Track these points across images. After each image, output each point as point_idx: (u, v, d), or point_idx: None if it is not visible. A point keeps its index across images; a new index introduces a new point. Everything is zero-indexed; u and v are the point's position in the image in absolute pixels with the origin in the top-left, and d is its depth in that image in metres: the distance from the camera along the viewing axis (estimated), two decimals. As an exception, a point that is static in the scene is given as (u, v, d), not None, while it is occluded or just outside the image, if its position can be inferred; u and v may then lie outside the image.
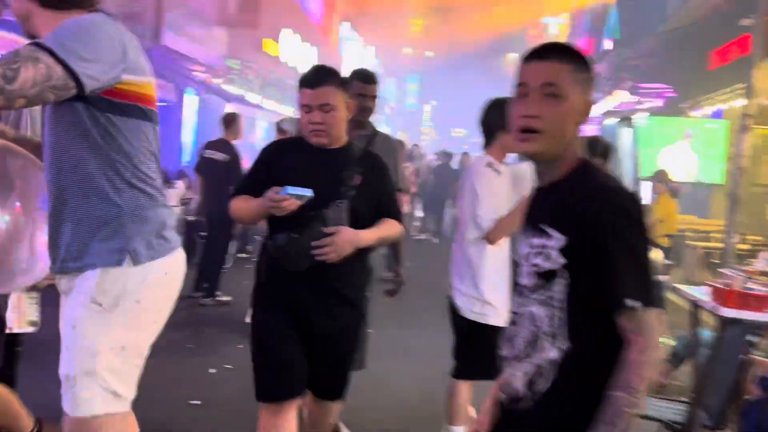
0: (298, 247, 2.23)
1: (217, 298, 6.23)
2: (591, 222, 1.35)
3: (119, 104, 1.77)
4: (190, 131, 16.70)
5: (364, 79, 3.46)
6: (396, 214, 2.45)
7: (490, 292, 2.81)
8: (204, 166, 6.29)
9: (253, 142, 21.99)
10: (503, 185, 2.80)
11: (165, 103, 14.23)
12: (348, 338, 2.44)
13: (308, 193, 2.20)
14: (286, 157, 2.43)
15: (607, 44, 15.26)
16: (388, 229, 2.42)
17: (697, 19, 11.07)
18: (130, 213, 1.80)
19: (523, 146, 1.44)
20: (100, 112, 1.75)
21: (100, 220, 1.78)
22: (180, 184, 9.15)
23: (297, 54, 22.06)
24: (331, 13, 28.18)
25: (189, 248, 3.73)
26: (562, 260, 1.39)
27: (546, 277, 1.41)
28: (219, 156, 6.10)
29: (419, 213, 14.46)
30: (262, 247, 2.51)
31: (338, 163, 2.34)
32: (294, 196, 2.19)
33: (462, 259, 2.87)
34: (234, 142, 6.30)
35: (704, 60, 11.39)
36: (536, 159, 1.47)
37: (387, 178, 2.49)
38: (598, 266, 1.35)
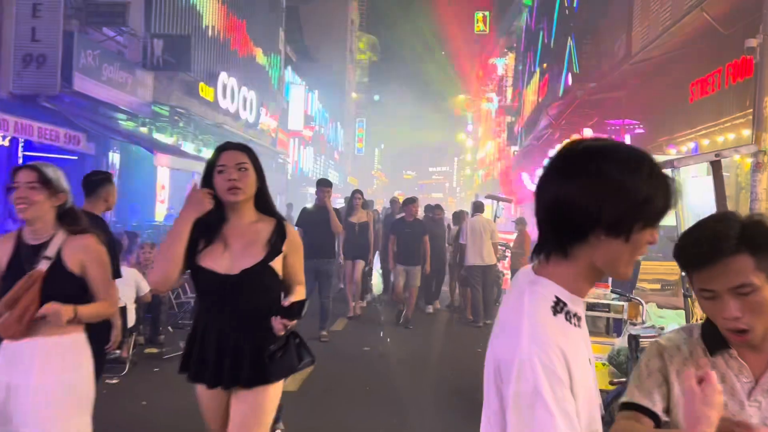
0: None
1: None
2: None
3: None
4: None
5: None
6: None
7: None
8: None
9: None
10: (587, 357, 1.20)
11: (75, 157, 12.51)
12: None
13: None
14: None
15: (570, 79, 14.29)
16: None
17: (670, 49, 10.07)
18: None
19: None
20: None
21: None
22: None
23: (236, 98, 20.54)
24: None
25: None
26: None
27: None
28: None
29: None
30: None
31: None
32: None
33: None
34: (104, 214, 4.14)
35: (680, 92, 10.36)
36: None
37: None
38: None
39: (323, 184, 7.94)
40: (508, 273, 11.34)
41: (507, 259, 11.52)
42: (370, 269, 9.79)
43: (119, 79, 13.62)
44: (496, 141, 43.33)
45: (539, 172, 1.27)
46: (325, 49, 40.04)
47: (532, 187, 15.17)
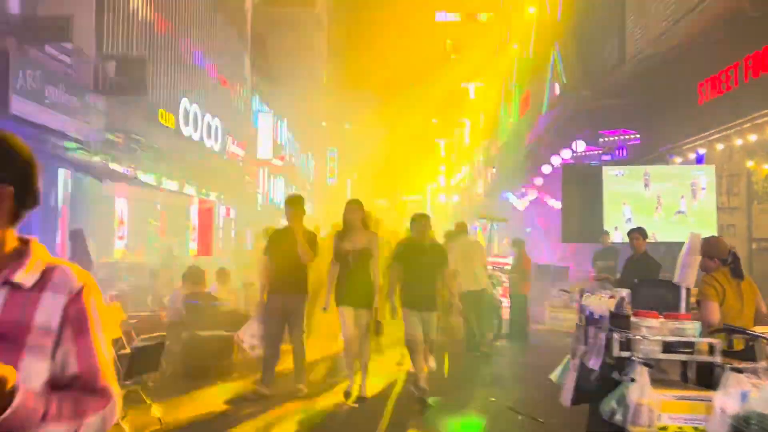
0: None
1: None
2: None
3: None
4: (64, 223, 13.44)
5: None
6: None
7: None
8: None
9: (161, 233, 18.73)
10: None
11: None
12: None
13: None
14: None
15: (557, 90, 13.39)
16: None
17: (672, 47, 9.14)
18: None
19: None
20: None
21: None
22: None
23: (200, 126, 19.27)
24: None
25: None
26: None
27: None
28: None
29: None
30: None
31: None
32: None
33: None
34: None
35: (686, 94, 9.40)
36: None
37: None
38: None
39: (291, 203, 6.32)
40: (506, 301, 10.18)
41: (503, 285, 10.38)
42: (380, 323, 6.27)
43: (66, 103, 12.30)
44: (471, 165, 42.58)
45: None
46: (293, 77, 39.10)
47: (521, 207, 13.96)
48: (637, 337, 3.27)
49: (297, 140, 40.33)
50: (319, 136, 50.30)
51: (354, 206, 6.23)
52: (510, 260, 10.44)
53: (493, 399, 6.14)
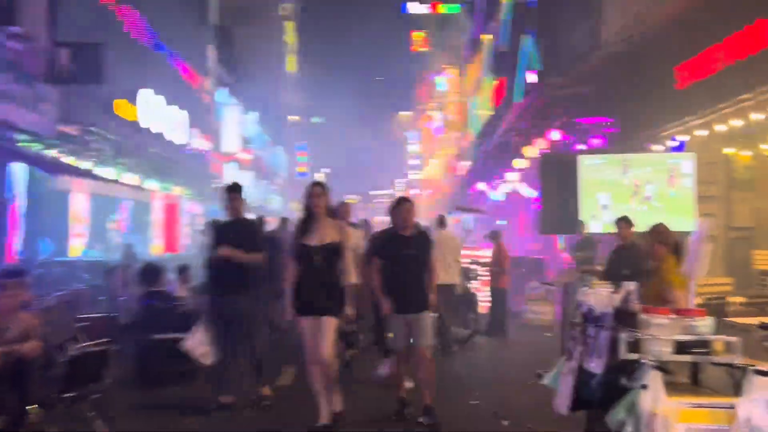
0: None
1: None
2: None
3: None
4: (15, 220, 12.67)
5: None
6: None
7: None
8: None
9: (121, 229, 17.94)
10: None
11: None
12: None
13: None
14: None
15: (531, 77, 13.02)
16: None
17: (649, 30, 8.83)
18: None
19: None
20: None
21: None
22: None
23: (162, 118, 18.53)
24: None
25: None
26: None
27: None
28: None
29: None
30: None
31: None
32: None
33: None
34: None
35: (664, 78, 9.09)
36: None
37: None
38: None
39: (227, 190, 5.64)
40: (482, 295, 9.82)
41: (479, 279, 10.02)
42: (356, 333, 5.78)
43: (15, 92, 11.58)
44: (443, 158, 42.34)
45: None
46: (260, 70, 38.32)
47: (498, 198, 13.54)
48: (647, 336, 2.88)
49: (266, 134, 39.58)
50: (288, 131, 49.57)
51: (317, 190, 4.99)
52: (486, 253, 10.06)
53: (475, 402, 5.73)
